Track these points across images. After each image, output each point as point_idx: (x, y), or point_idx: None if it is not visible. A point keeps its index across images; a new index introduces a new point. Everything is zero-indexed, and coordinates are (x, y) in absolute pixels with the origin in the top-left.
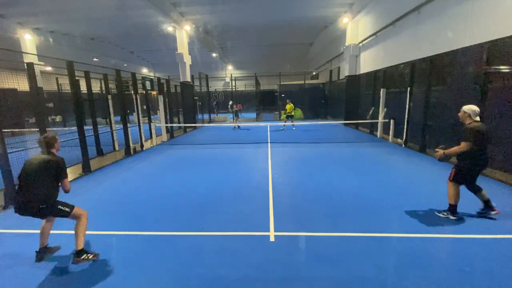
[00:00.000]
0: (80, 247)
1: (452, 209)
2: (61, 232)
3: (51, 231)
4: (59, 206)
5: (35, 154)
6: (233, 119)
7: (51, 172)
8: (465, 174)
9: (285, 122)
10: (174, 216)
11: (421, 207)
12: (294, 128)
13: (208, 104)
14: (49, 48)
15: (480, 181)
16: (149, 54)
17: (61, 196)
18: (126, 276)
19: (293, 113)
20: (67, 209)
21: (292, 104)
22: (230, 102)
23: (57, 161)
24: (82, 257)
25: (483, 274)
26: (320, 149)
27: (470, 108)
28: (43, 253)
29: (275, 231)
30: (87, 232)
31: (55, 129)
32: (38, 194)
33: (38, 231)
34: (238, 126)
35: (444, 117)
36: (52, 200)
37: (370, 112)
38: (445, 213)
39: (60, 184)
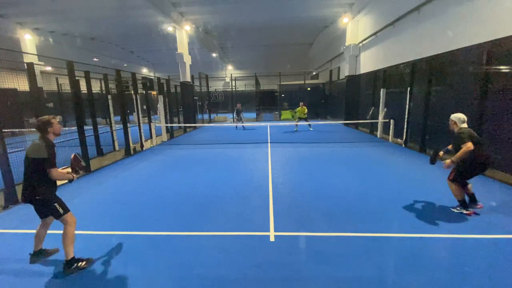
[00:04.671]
0: (68, 257)
1: (462, 204)
2: (61, 232)
3: (52, 231)
4: (55, 204)
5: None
6: (234, 119)
7: (36, 160)
8: (464, 176)
9: (297, 122)
10: (174, 216)
11: (421, 207)
12: (311, 129)
13: (208, 104)
14: (49, 48)
15: (480, 181)
16: (149, 54)
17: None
18: (126, 276)
19: (305, 116)
20: (60, 211)
21: (305, 107)
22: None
23: (39, 147)
24: (73, 267)
25: (483, 274)
26: (320, 149)
27: (456, 116)
28: (37, 256)
29: (275, 231)
30: (87, 232)
31: None
32: (30, 183)
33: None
34: (243, 126)
35: (444, 117)
36: (47, 194)
37: (370, 112)
38: (458, 208)
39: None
